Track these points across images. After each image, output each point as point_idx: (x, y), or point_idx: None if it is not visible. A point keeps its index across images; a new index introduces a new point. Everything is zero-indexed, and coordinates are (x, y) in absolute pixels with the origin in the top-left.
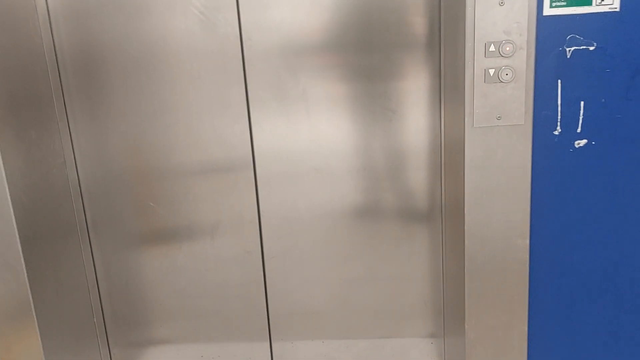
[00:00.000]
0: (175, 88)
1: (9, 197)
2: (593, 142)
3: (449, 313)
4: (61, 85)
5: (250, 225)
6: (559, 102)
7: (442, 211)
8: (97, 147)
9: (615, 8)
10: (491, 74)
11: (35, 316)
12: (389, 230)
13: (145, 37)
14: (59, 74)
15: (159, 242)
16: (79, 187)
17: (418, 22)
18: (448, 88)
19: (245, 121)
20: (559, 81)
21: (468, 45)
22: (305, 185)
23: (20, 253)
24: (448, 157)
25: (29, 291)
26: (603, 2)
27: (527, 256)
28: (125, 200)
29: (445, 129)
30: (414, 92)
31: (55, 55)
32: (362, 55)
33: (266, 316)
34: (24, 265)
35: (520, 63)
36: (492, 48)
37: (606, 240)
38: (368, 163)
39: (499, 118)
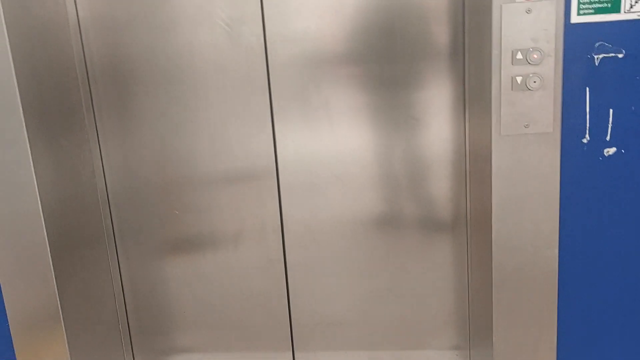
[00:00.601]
0: (201, 99)
1: (40, 205)
2: (623, 151)
3: (475, 325)
4: (91, 95)
5: (273, 234)
6: (588, 109)
7: (468, 221)
8: (124, 157)
9: None
10: (519, 82)
11: (63, 323)
12: (412, 240)
13: (172, 49)
14: (89, 85)
15: (183, 251)
16: (106, 196)
17: (441, 31)
18: (473, 96)
19: (269, 130)
20: (588, 89)
21: (495, 53)
22: (328, 194)
23: (50, 261)
24: (474, 165)
25: (58, 298)
26: (632, 10)
27: (556, 267)
28: (151, 209)
29: (471, 137)
30: (438, 101)
31: (86, 66)
32: (385, 65)
33: (289, 326)
34: (53, 273)
35: (548, 70)
36: (519, 55)
37: (637, 250)
38: (391, 172)
39: (526, 126)
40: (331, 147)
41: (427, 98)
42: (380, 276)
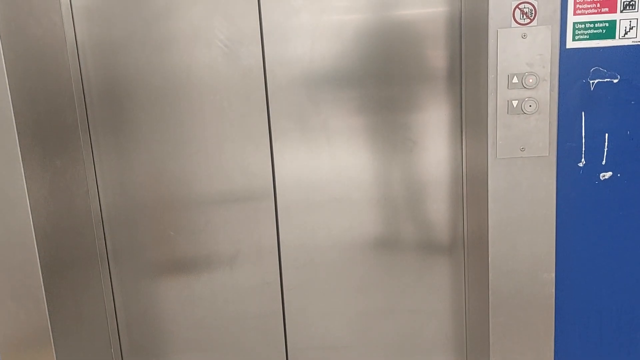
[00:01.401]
0: (198, 119)
1: (32, 225)
2: (618, 175)
3: (472, 348)
4: (87, 115)
5: (269, 256)
6: (583, 133)
7: (465, 243)
8: (119, 176)
9: (639, 41)
10: (514, 106)
11: (53, 344)
12: (409, 262)
13: (170, 69)
14: (85, 104)
15: (178, 272)
16: (100, 216)
17: (439, 55)
18: (470, 119)
19: (267, 151)
20: (583, 113)
21: (491, 77)
22: (326, 215)
23: (41, 281)
24: (470, 188)
25: (48, 319)
26: (627, 36)
27: (553, 291)
28: (145, 230)
29: (467, 160)
30: (435, 124)
31: (82, 85)
32: (383, 87)
33: (284, 349)
34: (44, 293)
35: (544, 95)
36: (515, 80)
37: (633, 274)
38: (389, 193)
39: (522, 149)
40: (329, 168)
41: (425, 121)
42: (377, 298)
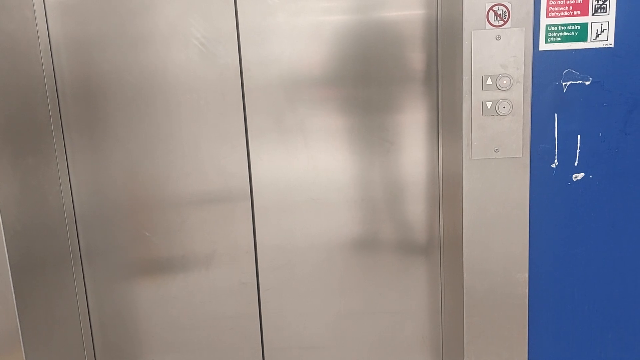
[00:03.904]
0: (174, 118)
1: (1, 224)
2: (590, 176)
3: (448, 348)
4: (60, 113)
5: (246, 256)
6: (556, 135)
7: (441, 244)
8: (94, 175)
9: (610, 44)
10: (488, 107)
11: (22, 347)
12: (386, 263)
13: (146, 67)
14: (59, 101)
15: (153, 272)
16: (74, 215)
17: (416, 57)
18: (446, 121)
19: (243, 151)
20: (556, 115)
21: (465, 78)
22: (303, 216)
23: (10, 281)
24: (446, 189)
25: (18, 320)
26: (598, 38)
27: (527, 290)
28: (120, 229)
29: (443, 161)
30: (412, 125)
31: (55, 83)
32: (361, 88)
33: (261, 350)
34: (13, 294)
35: (518, 96)
36: (489, 81)
37: (605, 274)
38: (366, 194)
39: (496, 150)
40: (306, 169)
41: (402, 122)
42: (354, 299)
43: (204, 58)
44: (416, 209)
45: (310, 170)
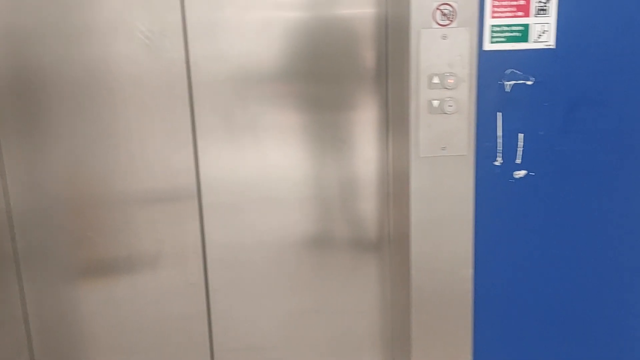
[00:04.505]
0: (118, 113)
1: None
2: (532, 174)
3: (397, 346)
4: None
5: (194, 256)
6: (500, 133)
7: (389, 242)
8: (32, 173)
9: (551, 45)
10: (435, 105)
11: None
12: (338, 262)
13: (87, 60)
14: None
15: (97, 274)
16: (10, 216)
17: (366, 55)
18: (395, 119)
19: (190, 148)
20: (499, 114)
21: (412, 76)
22: (253, 214)
23: None
24: (395, 187)
25: None
26: (540, 39)
27: (471, 286)
28: (61, 229)
29: (393, 159)
30: (363, 123)
31: None
32: (312, 86)
33: (210, 351)
34: None
35: (463, 95)
36: (436, 80)
37: (547, 270)
38: (317, 193)
39: (443, 148)
40: (256, 166)
41: (353, 119)
42: (305, 298)
43: (150, 52)
44: (367, 206)
45: (261, 167)
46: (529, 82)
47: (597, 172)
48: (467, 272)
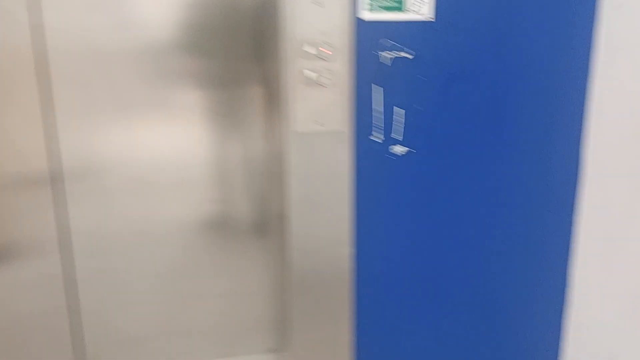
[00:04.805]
0: None
1: None
2: (412, 150)
3: (282, 328)
4: None
5: (58, 246)
6: (378, 108)
7: (272, 222)
8: None
9: (431, 18)
10: (311, 77)
11: None
12: (219, 244)
13: None
14: None
15: None
16: None
17: (252, 27)
18: (275, 94)
19: (52, 129)
20: (378, 87)
21: (286, 46)
22: (125, 199)
23: None
24: (278, 165)
25: None
26: (419, 11)
27: (351, 265)
28: None
29: (274, 136)
30: (246, 99)
31: None
32: (192, 60)
33: (82, 346)
34: None
35: (340, 67)
36: (310, 50)
37: (426, 245)
38: (196, 173)
39: (320, 123)
40: (126, 146)
41: (237, 96)
42: (187, 284)
43: (0, 20)
44: (253, 186)
45: (131, 148)
46: (408, 55)
47: (474, 149)
48: (347, 250)
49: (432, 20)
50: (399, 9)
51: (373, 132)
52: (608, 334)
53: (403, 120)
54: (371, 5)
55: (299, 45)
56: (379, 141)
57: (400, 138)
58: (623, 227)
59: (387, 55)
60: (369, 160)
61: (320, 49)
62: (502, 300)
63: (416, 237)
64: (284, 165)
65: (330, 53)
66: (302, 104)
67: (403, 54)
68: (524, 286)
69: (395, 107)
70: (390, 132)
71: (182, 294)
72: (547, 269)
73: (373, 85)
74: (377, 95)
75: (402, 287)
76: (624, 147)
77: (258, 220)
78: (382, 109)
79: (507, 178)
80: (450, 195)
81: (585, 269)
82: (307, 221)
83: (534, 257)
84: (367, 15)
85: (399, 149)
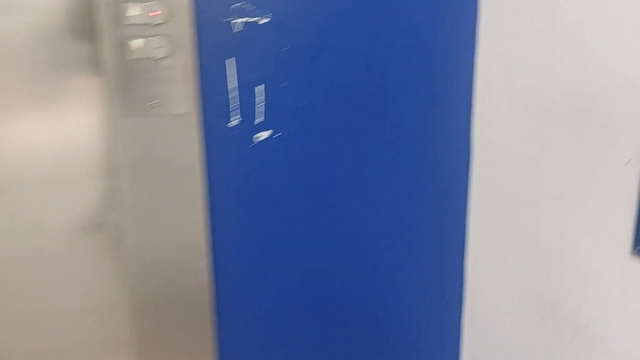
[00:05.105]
0: None
1: None
2: (277, 134)
3: (135, 351)
4: None
5: None
6: (232, 86)
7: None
8: None
9: None
10: (139, 48)
11: None
12: (54, 252)
13: None
14: None
15: None
16: None
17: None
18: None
19: None
20: (230, 60)
21: (101, 8)
22: None
23: None
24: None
25: None
26: None
27: (209, 278)
28: None
29: (112, 122)
30: (76, 82)
31: None
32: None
33: None
34: None
35: (179, 34)
36: (136, 12)
37: (299, 247)
38: (30, 170)
39: (156, 105)
40: None
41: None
42: (39, 297)
43: None
44: (96, 186)
45: None
46: (263, 21)
47: (351, 129)
48: (202, 261)
49: None
50: None
51: (227, 114)
52: (504, 328)
53: (264, 98)
54: None
55: (118, 7)
56: (236, 124)
57: (262, 119)
58: (514, 212)
59: (237, 21)
60: (223, 149)
61: (150, 13)
62: (391, 304)
63: (287, 238)
64: (114, 160)
65: (160, 13)
66: (129, 81)
67: (256, 19)
68: (416, 286)
69: (251, 84)
70: (249, 114)
71: (34, 309)
72: (442, 264)
73: (222, 57)
74: (230, 69)
75: (272, 297)
76: (513, 126)
77: (99, 225)
78: (236, 85)
79: (390, 164)
80: (326, 185)
81: (476, 262)
82: (148, 229)
83: (425, 251)
84: None
85: (260, 134)
